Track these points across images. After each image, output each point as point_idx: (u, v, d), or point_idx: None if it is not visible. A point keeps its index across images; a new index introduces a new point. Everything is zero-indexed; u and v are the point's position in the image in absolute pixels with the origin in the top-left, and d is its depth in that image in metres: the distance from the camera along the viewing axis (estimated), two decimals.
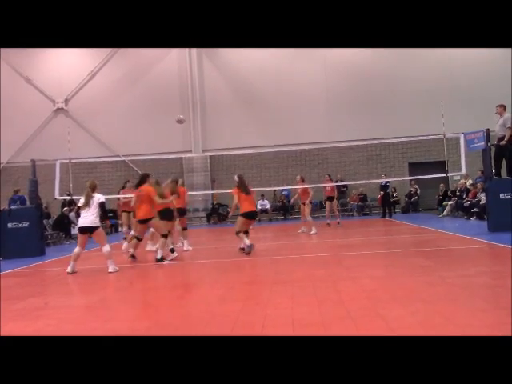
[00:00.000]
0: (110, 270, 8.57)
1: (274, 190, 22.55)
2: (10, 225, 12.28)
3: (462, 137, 13.53)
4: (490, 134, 12.11)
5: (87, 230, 8.73)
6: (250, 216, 10.23)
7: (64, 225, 17.01)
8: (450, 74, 22.46)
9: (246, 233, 10.15)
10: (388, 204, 20.53)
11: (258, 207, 18.42)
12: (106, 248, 8.72)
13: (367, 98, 22.85)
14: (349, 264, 8.04)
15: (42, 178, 14.26)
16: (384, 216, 20.05)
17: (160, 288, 7.40)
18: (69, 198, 16.67)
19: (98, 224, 8.81)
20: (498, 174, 12.22)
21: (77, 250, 8.82)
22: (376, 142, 19.37)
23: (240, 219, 10.10)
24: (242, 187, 10.18)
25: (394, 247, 10.68)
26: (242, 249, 10.03)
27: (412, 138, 18.92)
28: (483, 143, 12.19)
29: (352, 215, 22.59)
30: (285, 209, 22.93)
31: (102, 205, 8.83)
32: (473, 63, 22.25)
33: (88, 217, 8.65)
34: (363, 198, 23.01)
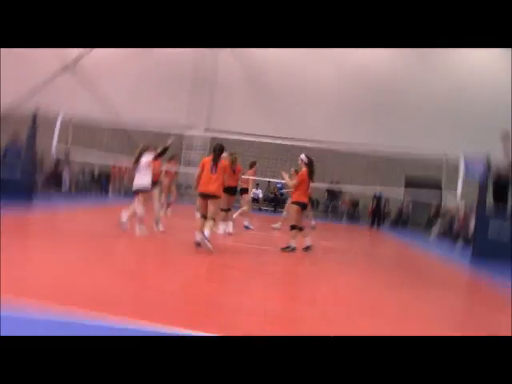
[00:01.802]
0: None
1: (269, 181, 22.55)
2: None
3: (461, 158, 13.53)
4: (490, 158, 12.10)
5: (142, 190, 9.00)
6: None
7: (56, 182, 16.96)
8: (460, 94, 22.43)
9: (301, 229, 9.11)
10: (378, 215, 20.59)
11: (251, 195, 18.39)
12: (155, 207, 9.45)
13: (375, 106, 22.85)
14: (330, 266, 8.07)
15: (42, 130, 14.10)
16: (372, 226, 20.13)
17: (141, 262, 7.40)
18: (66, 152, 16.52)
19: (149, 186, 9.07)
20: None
21: (139, 211, 8.90)
22: (376, 150, 19.35)
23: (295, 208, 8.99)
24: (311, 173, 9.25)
25: (376, 258, 10.74)
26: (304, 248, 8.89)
27: (412, 154, 18.92)
28: (482, 169, 12.22)
29: (340, 219, 22.65)
30: (276, 201, 23.00)
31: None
32: (482, 86, 22.18)
33: (141, 178, 8.96)
34: (355, 204, 23.06)
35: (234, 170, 10.83)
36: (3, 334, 3.32)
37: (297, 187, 8.97)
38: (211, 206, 7.91)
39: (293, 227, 8.85)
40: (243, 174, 11.99)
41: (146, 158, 9.24)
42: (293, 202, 9.13)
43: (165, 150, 9.92)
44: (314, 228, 13.70)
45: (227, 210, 10.73)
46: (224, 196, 9.72)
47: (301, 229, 8.97)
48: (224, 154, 8.87)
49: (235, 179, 10.92)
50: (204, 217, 7.89)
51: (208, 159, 8.31)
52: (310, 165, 9.14)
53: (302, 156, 9.25)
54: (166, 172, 11.44)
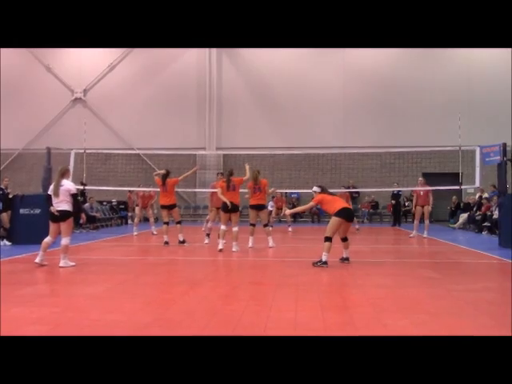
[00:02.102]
0: (61, 265, 8.15)
1: (286, 193, 22.53)
2: (22, 210, 12.38)
3: (477, 150, 13.41)
4: (507, 148, 12.01)
5: (57, 218, 8.19)
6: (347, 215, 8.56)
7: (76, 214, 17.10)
8: (469, 86, 22.31)
9: (345, 240, 8.68)
10: (399, 213, 20.49)
11: (269, 208, 18.39)
12: (66, 241, 8.20)
13: (384, 106, 22.81)
14: (355, 271, 8.00)
15: (57, 166, 14.31)
16: (395, 225, 20.02)
17: (162, 284, 7.42)
18: (82, 187, 16.79)
19: (70, 209, 8.27)
20: None
21: (47, 239, 8.34)
22: (391, 150, 19.30)
23: (335, 220, 8.41)
24: (326, 191, 8.95)
25: (402, 256, 10.62)
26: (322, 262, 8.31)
27: (427, 149, 18.81)
28: (499, 157, 12.09)
29: (362, 222, 22.49)
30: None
31: (74, 196, 8.34)
32: (494, 77, 22.07)
33: (59, 205, 8.18)
34: (374, 205, 22.94)
35: (259, 186, 11.16)
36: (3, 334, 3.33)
37: (326, 206, 8.71)
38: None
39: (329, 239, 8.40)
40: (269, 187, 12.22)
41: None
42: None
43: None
44: (358, 231, 16.02)
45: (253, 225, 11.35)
46: (252, 212, 11.27)
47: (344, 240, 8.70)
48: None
49: (263, 195, 11.32)
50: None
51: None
52: (323, 189, 8.95)
53: (314, 188, 9.03)
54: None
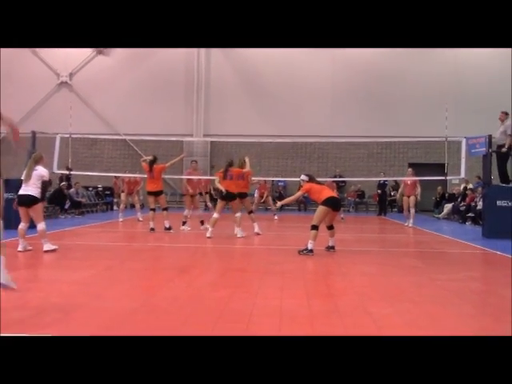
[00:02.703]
0: (45, 249, 8.08)
1: (273, 181, 22.54)
2: (6, 195, 12.21)
3: (464, 141, 13.50)
4: (492, 140, 12.12)
5: (25, 202, 8.11)
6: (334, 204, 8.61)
7: (60, 199, 16.99)
8: (457, 78, 22.41)
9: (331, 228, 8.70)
10: (384, 202, 20.67)
11: (255, 195, 18.40)
12: (41, 226, 8.13)
13: (372, 96, 22.83)
14: (341, 259, 8.06)
15: (41, 150, 14.09)
16: (380, 214, 20.19)
17: (148, 270, 7.41)
18: (68, 172, 16.64)
19: (38, 196, 8.16)
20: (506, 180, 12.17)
21: (20, 225, 8.21)
22: (378, 139, 19.36)
23: (322, 208, 8.42)
24: (314, 180, 9.00)
25: (387, 246, 10.71)
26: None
27: (414, 139, 18.92)
28: (484, 149, 12.19)
29: (348, 211, 22.60)
30: (281, 200, 22.99)
31: (44, 183, 8.34)
32: (481, 69, 22.21)
33: (28, 189, 8.10)
34: (361, 194, 23.07)
35: (243, 175, 11.19)
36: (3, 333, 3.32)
37: (313, 194, 8.74)
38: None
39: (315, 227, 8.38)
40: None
41: None
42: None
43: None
44: (343, 220, 16.14)
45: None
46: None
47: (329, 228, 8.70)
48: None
49: (245, 183, 11.40)
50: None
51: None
52: (311, 178, 8.98)
53: (302, 177, 9.05)
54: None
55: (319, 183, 9.09)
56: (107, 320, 4.23)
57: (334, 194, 9.00)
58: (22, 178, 8.28)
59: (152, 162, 11.96)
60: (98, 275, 6.49)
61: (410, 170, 15.48)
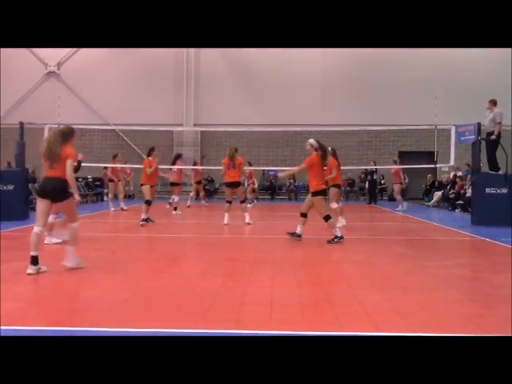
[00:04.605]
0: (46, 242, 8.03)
1: (263, 170, 22.55)
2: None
3: (453, 129, 13.58)
4: (481, 128, 12.20)
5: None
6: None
7: None
8: (447, 65, 22.45)
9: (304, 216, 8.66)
10: (374, 190, 20.78)
11: (245, 185, 18.39)
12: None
13: (362, 85, 22.83)
14: (331, 247, 8.11)
15: (30, 141, 14.00)
16: (370, 202, 20.31)
17: (139, 260, 7.42)
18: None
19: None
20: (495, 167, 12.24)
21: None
22: (368, 128, 19.39)
23: (318, 199, 8.44)
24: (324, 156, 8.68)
25: (376, 234, 10.78)
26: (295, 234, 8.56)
27: (404, 127, 18.95)
28: (473, 136, 12.27)
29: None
30: (272, 189, 23.03)
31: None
32: (470, 57, 22.24)
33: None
34: (351, 183, 23.16)
35: (234, 164, 11.30)
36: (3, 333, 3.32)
37: (311, 174, 8.50)
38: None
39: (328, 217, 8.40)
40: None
41: None
42: (313, 193, 8.43)
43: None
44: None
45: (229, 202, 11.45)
46: (227, 189, 11.55)
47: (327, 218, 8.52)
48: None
49: (237, 173, 11.45)
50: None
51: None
52: (321, 148, 8.64)
53: (311, 141, 8.74)
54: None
55: (325, 162, 8.72)
56: (99, 310, 4.24)
57: (324, 185, 8.68)
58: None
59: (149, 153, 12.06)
60: (89, 266, 6.48)
61: (393, 158, 15.78)
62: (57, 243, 8.10)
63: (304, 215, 8.67)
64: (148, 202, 11.41)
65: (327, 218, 8.39)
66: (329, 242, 8.34)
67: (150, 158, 11.98)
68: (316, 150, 8.61)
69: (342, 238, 8.37)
